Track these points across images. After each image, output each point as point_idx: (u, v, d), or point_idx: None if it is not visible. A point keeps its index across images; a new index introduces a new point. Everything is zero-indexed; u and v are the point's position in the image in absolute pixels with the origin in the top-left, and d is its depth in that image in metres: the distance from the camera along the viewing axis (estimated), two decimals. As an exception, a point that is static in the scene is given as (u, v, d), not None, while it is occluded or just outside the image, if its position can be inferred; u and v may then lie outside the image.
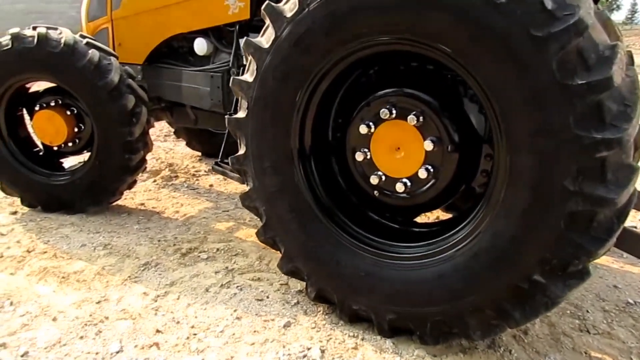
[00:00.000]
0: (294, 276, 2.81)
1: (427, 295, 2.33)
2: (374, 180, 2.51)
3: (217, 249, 3.50)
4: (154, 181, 5.04)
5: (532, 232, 2.04)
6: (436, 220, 3.24)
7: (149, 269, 3.23)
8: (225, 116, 2.79)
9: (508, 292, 2.14)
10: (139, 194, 4.69)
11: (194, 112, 4.46)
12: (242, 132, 2.70)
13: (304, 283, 2.75)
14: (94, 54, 3.69)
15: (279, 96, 2.53)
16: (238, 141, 2.78)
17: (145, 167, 4.20)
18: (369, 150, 2.53)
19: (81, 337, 2.52)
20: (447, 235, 2.38)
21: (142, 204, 4.43)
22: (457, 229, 2.34)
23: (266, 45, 2.50)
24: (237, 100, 2.90)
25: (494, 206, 2.13)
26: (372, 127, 2.48)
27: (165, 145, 6.59)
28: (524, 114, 1.93)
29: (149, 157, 5.73)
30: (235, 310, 2.78)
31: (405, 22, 2.08)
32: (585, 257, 1.99)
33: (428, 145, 2.32)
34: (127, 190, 4.30)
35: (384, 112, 2.40)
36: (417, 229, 2.70)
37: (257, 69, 2.55)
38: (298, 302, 2.86)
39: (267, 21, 2.50)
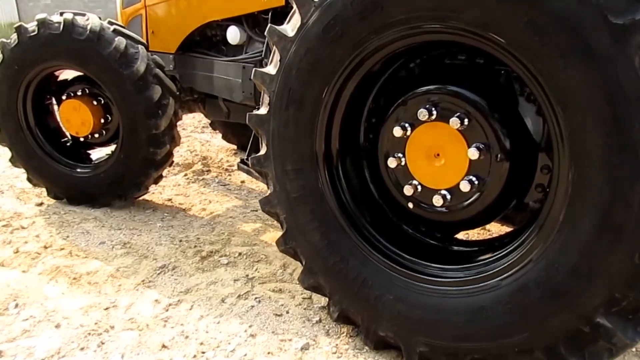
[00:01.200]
0: (316, 292, 2.52)
1: (465, 329, 1.99)
2: (408, 190, 2.18)
3: (240, 254, 3.25)
4: (185, 175, 4.86)
5: (597, 265, 1.67)
6: (480, 239, 2.85)
7: (165, 273, 3.02)
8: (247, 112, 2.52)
9: (564, 334, 1.78)
10: (168, 188, 4.51)
11: (226, 104, 4.22)
12: (263, 130, 2.43)
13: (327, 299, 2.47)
14: (120, 41, 3.51)
15: (304, 91, 2.24)
16: (259, 139, 2.51)
17: (172, 162, 4.01)
18: (404, 156, 2.20)
19: (82, 349, 2.32)
20: (491, 258, 2.03)
21: (170, 200, 4.25)
22: (504, 252, 1.99)
23: (291, 34, 2.20)
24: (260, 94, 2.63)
25: (550, 230, 1.77)
26: (409, 129, 2.15)
27: (202, 137, 6.42)
28: (594, 119, 1.56)
29: (183, 149, 5.62)
30: (250, 326, 2.52)
31: (454, 6, 1.73)
32: (665, 300, 1.61)
33: (473, 154, 1.97)
34: (155, 185, 4.13)
35: (422, 113, 2.06)
36: (456, 247, 2.34)
37: (280, 60, 2.26)
38: (320, 320, 2.57)
39: (294, 6, 2.21)
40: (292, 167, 2.36)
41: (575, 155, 1.66)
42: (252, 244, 3.43)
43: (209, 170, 5.05)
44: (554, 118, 1.70)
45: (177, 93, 3.81)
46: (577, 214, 1.69)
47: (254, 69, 2.45)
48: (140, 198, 4.12)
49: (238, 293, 2.82)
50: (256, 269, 3.09)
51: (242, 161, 3.38)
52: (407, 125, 2.15)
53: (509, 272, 1.89)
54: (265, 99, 2.39)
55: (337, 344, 2.40)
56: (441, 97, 2.08)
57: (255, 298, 2.78)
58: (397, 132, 2.15)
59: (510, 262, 1.91)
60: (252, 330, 2.49)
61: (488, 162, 2.00)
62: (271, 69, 2.33)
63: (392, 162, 2.20)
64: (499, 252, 2.01)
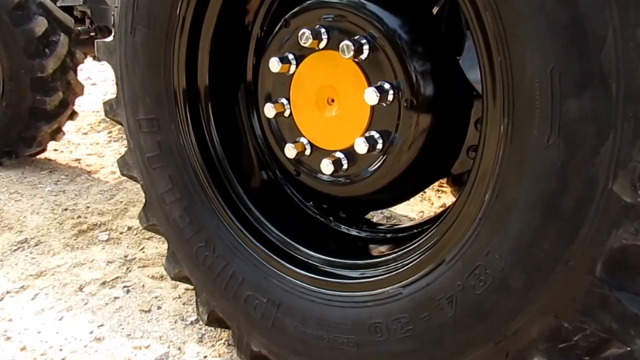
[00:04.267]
0: (186, 283, 1.90)
1: (353, 354, 1.37)
2: (290, 151, 1.52)
3: (129, 228, 2.63)
4: (109, 133, 4.19)
5: (538, 274, 1.04)
6: (393, 225, 2.06)
7: (24, 249, 2.40)
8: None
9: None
10: (83, 147, 3.86)
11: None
12: (113, 63, 1.77)
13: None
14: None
15: (152, 5, 1.57)
16: (115, 79, 1.85)
17: (75, 114, 3.35)
18: (289, 102, 1.54)
19: None
20: (395, 253, 1.39)
21: (77, 160, 3.60)
22: (412, 245, 1.34)
23: None
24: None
25: (471, 215, 1.13)
26: (293, 62, 1.48)
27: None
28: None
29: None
30: (100, 326, 1.92)
31: None
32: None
33: (371, 97, 1.30)
34: (56, 142, 3.48)
35: (305, 36, 1.39)
36: (357, 233, 1.68)
37: (123, -39, 1.59)
38: (198, 321, 1.96)
39: None
40: (145, 116, 1.71)
41: (511, 98, 1.01)
42: (151, 216, 2.79)
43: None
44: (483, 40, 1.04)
45: (74, 29, 3.12)
46: (510, 191, 1.05)
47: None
48: (40, 156, 3.48)
49: (104, 279, 2.20)
50: (142, 248, 2.46)
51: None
52: (290, 56, 1.48)
53: (413, 277, 1.26)
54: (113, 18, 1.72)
55: (206, 356, 1.79)
56: (336, 14, 1.40)
57: (125, 287, 2.16)
58: (274, 65, 1.48)
59: (416, 261, 1.27)
60: (100, 332, 1.88)
61: (396, 112, 1.34)
62: (117, -21, 1.66)
63: (270, 110, 1.53)
64: (407, 245, 1.37)
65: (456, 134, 1.40)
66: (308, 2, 1.46)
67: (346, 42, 1.30)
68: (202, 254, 1.69)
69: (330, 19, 1.40)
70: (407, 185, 1.47)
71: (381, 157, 1.40)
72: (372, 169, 1.43)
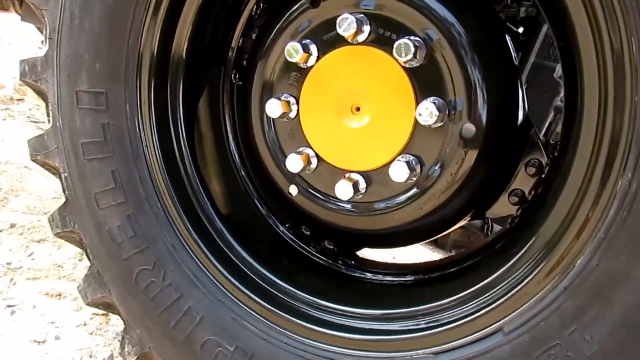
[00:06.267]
0: (108, 311, 1.47)
1: None
2: (293, 163, 1.20)
3: (12, 225, 2.05)
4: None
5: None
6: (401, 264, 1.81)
7: None
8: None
9: None
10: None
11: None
12: (47, 12, 1.31)
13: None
14: None
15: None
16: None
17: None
18: (297, 102, 1.21)
19: None
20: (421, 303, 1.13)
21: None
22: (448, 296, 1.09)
23: None
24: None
25: (544, 283, 0.92)
26: (314, 53, 1.17)
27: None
28: None
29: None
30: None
31: None
32: None
33: (426, 114, 1.04)
34: None
35: (348, 23, 1.08)
36: (352, 272, 1.39)
37: None
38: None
39: None
40: (88, 87, 1.27)
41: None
42: (41, 210, 2.23)
43: (21, 100, 3.64)
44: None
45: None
46: (622, 259, 0.85)
47: None
48: None
49: (-22, 293, 1.65)
50: (31, 254, 1.92)
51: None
52: (311, 44, 1.17)
53: (449, 344, 1.01)
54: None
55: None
56: (384, 3, 1.11)
57: (8, 306, 1.63)
58: (292, 52, 1.15)
59: (460, 322, 1.02)
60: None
61: (445, 136, 1.09)
62: None
63: (274, 108, 1.19)
64: (439, 293, 1.11)
65: (503, 173, 1.18)
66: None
67: (405, 40, 1.03)
68: (146, 279, 1.29)
69: (374, 7, 1.12)
70: (432, 224, 1.22)
71: (412, 188, 1.14)
72: (393, 200, 1.17)
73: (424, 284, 1.27)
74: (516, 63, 1.15)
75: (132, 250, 1.29)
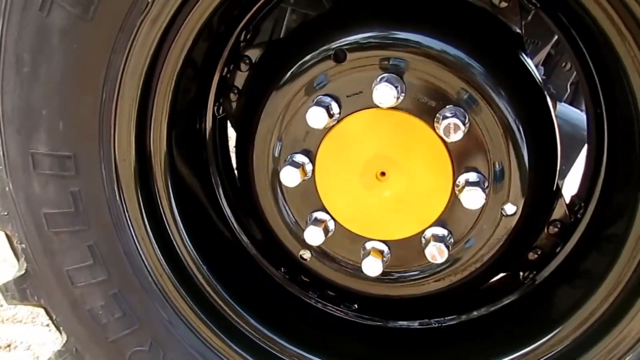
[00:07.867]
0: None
1: None
2: (314, 234, 1.06)
3: None
4: None
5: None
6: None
7: None
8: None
9: None
10: None
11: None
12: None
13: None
14: None
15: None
16: None
17: None
18: (311, 161, 1.06)
19: None
20: None
21: None
22: None
23: None
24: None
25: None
26: (335, 111, 1.01)
27: None
28: None
29: None
30: None
31: None
32: None
33: (468, 189, 0.96)
34: None
35: (379, 86, 0.94)
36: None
37: None
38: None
39: None
40: (48, 150, 1.02)
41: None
42: None
43: None
44: None
45: None
46: None
47: None
48: None
49: None
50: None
51: None
52: (333, 103, 1.01)
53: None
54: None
55: None
56: (417, 60, 0.98)
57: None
58: (313, 115, 0.98)
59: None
60: None
61: (486, 211, 1.02)
62: None
63: (291, 177, 1.03)
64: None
65: (528, 236, 1.14)
66: (371, 32, 1.00)
67: (454, 120, 0.92)
68: (140, 362, 1.13)
69: (405, 67, 0.98)
70: (452, 297, 1.18)
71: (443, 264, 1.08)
72: (415, 272, 1.11)
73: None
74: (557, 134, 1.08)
75: (120, 331, 1.12)
